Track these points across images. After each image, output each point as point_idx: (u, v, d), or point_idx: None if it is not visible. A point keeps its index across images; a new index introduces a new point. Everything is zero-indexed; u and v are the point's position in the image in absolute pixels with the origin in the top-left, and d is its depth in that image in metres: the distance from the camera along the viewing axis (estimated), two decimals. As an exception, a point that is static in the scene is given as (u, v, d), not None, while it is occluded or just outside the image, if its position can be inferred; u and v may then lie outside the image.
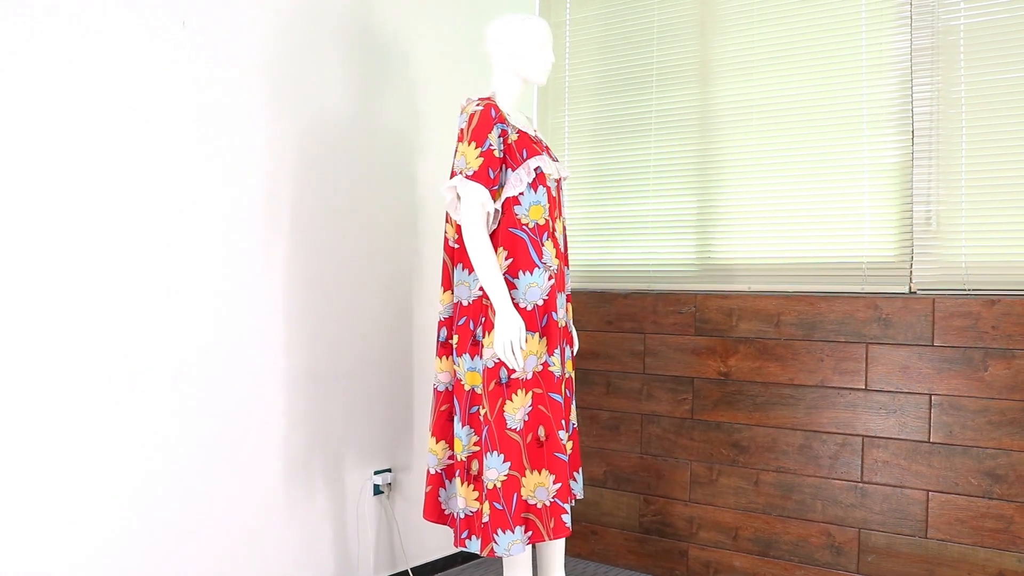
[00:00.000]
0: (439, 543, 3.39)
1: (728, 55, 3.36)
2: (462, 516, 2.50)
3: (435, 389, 2.65)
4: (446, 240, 2.63)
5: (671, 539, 3.36)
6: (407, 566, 3.21)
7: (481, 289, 2.50)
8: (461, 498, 2.50)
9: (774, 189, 3.23)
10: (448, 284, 2.63)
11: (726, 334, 3.25)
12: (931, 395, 2.85)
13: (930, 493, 2.85)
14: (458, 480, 2.51)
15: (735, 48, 3.34)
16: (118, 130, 2.27)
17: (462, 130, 2.52)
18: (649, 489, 3.42)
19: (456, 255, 2.60)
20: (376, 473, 3.08)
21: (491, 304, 2.48)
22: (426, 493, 2.64)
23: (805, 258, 3.15)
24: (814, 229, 3.14)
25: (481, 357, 2.49)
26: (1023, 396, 2.70)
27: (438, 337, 2.64)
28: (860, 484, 2.97)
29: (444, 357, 2.63)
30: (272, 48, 2.69)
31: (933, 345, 2.85)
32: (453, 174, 2.52)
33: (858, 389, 2.98)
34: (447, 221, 2.63)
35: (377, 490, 3.08)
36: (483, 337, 2.49)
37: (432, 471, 2.63)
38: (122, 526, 2.29)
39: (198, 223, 2.48)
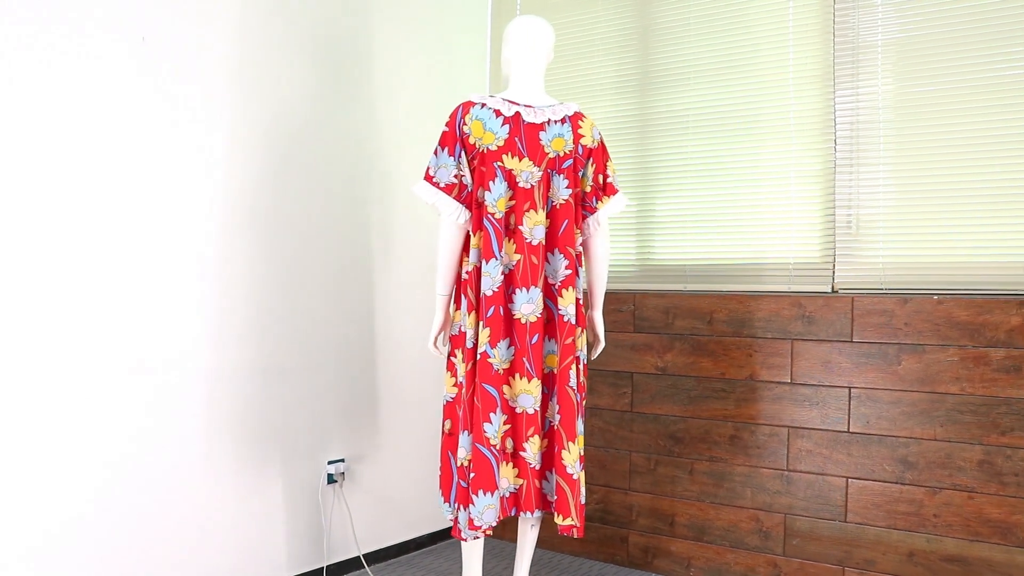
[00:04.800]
0: (392, 530, 3.54)
1: (666, 67, 3.54)
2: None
3: (571, 399, 2.59)
4: (574, 243, 2.63)
5: (612, 526, 3.54)
6: (359, 552, 3.36)
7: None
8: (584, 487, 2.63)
9: (708, 194, 3.41)
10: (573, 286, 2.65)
11: (663, 331, 3.43)
12: (850, 388, 3.04)
13: (849, 480, 3.04)
14: (583, 474, 2.61)
15: (673, 61, 3.53)
16: (85, 131, 2.42)
17: (603, 144, 2.74)
18: (592, 479, 3.59)
19: (579, 259, 2.69)
20: (330, 463, 3.23)
21: (585, 306, 2.78)
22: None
23: (736, 259, 3.34)
24: (745, 232, 3.33)
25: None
26: (932, 388, 2.89)
27: (572, 338, 2.61)
28: (786, 472, 3.16)
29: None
30: (236, 51, 2.84)
31: (852, 341, 3.04)
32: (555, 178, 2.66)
33: (784, 383, 3.16)
34: (591, 228, 2.75)
35: (331, 479, 3.23)
36: (580, 335, 2.70)
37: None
38: (82, 512, 2.43)
39: (163, 221, 2.62)
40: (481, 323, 2.53)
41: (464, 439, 2.52)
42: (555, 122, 2.62)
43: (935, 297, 2.90)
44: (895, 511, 2.95)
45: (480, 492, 2.48)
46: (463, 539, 2.52)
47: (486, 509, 2.48)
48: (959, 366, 2.85)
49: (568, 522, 2.55)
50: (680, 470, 3.38)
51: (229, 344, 2.85)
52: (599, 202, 2.72)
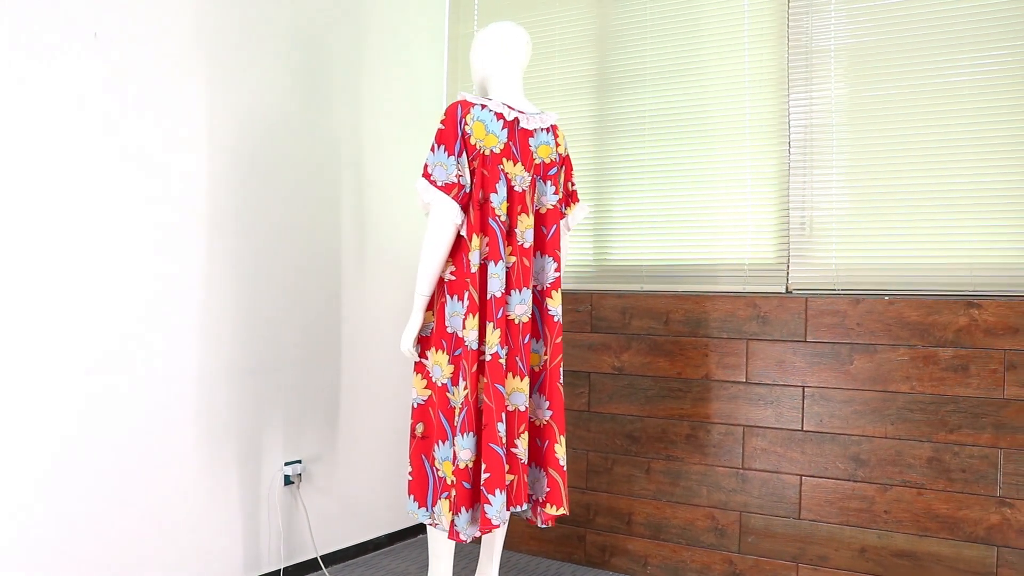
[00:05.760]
0: (349, 532, 3.52)
1: (622, 69, 3.57)
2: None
3: (561, 395, 2.74)
4: (559, 246, 2.77)
5: (569, 525, 3.56)
6: (317, 554, 3.34)
7: None
8: None
9: (665, 195, 3.45)
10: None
11: (620, 331, 3.45)
12: (804, 387, 3.09)
13: (803, 478, 3.08)
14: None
15: (629, 63, 3.55)
16: (51, 120, 2.37)
17: (568, 154, 2.89)
18: (550, 478, 3.61)
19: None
20: (287, 464, 3.20)
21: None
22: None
23: (692, 260, 3.38)
24: (701, 233, 3.36)
25: None
26: (883, 387, 2.95)
27: (560, 337, 2.76)
28: (741, 470, 3.20)
29: None
30: (210, 47, 2.80)
31: (806, 341, 3.09)
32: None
33: (739, 382, 3.20)
34: (561, 232, 2.84)
35: (288, 480, 3.20)
36: None
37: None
38: (25, 515, 2.38)
39: (124, 217, 2.58)
40: (491, 324, 2.54)
41: (466, 441, 2.51)
42: (541, 130, 2.72)
43: (886, 298, 2.96)
44: (847, 508, 3.00)
45: (496, 491, 2.49)
46: (462, 540, 2.52)
47: (502, 507, 2.50)
48: (909, 365, 2.91)
49: (561, 511, 2.66)
50: (637, 469, 3.41)
51: (187, 344, 2.81)
52: (567, 208, 2.88)
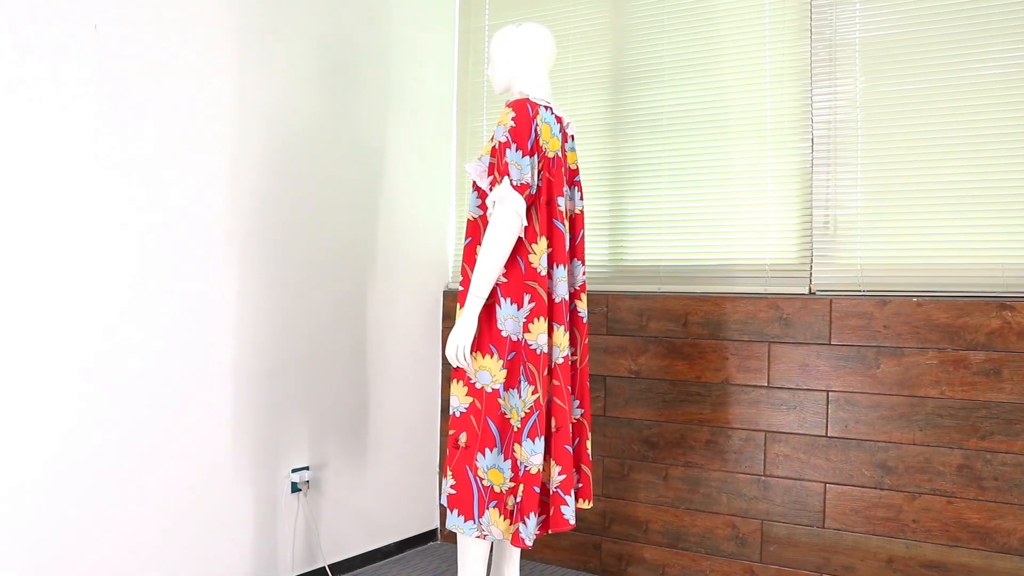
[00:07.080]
0: (357, 540, 3.43)
1: (640, 64, 3.47)
2: None
3: (589, 393, 2.79)
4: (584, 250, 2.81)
5: (585, 533, 3.46)
6: (325, 563, 3.25)
7: None
8: None
9: (682, 193, 3.35)
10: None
11: (637, 334, 3.35)
12: (828, 392, 2.98)
13: (827, 485, 2.98)
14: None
15: (646, 57, 3.45)
16: (55, 118, 2.29)
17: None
18: (564, 485, 3.51)
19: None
20: (294, 471, 3.11)
21: None
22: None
23: (712, 260, 3.28)
24: (720, 232, 3.26)
25: None
26: (911, 392, 2.85)
27: (587, 338, 2.81)
28: (763, 477, 3.10)
29: None
30: (239, 47, 2.71)
31: (830, 344, 2.98)
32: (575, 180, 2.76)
33: (761, 386, 3.10)
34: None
35: (295, 488, 3.11)
36: None
37: None
38: (20, 523, 2.30)
39: (127, 217, 2.49)
40: (561, 328, 2.54)
41: (538, 445, 2.46)
42: (571, 136, 2.74)
43: (914, 299, 2.85)
44: (874, 516, 2.90)
45: (571, 491, 2.51)
46: (527, 546, 2.47)
47: (573, 506, 2.54)
48: (938, 369, 2.81)
49: (590, 505, 2.73)
50: (654, 475, 3.31)
51: (194, 346, 2.72)
52: None
